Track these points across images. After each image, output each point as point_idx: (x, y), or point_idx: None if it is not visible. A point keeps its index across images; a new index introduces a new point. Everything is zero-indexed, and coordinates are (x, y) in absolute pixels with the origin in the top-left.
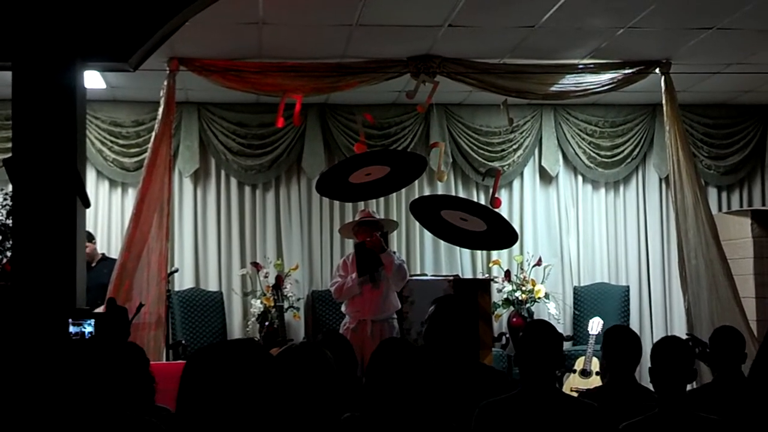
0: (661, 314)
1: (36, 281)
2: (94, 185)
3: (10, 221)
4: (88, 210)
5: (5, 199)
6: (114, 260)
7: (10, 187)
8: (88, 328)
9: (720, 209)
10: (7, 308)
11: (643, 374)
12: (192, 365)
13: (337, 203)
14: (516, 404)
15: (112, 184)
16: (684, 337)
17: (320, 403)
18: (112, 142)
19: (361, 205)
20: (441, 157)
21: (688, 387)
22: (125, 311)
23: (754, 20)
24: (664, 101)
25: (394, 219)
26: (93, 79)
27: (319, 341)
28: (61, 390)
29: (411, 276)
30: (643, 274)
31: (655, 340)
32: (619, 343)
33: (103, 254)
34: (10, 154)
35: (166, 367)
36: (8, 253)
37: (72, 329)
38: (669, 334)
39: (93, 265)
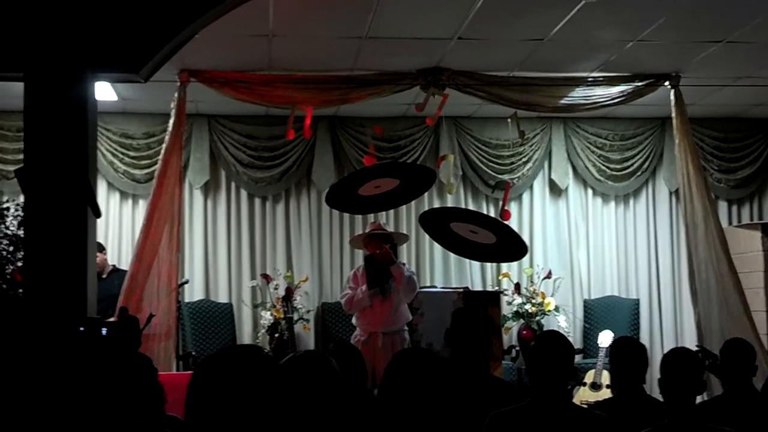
0: (671, 327)
1: (46, 290)
2: (105, 197)
3: (22, 231)
4: (99, 221)
5: (17, 210)
6: (125, 272)
7: (21, 198)
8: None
9: (730, 223)
10: (18, 316)
11: (654, 386)
12: (200, 373)
13: (347, 215)
14: (526, 414)
15: (123, 195)
16: (694, 349)
17: (325, 410)
18: (123, 153)
19: (372, 217)
20: (451, 169)
21: (698, 399)
22: (137, 320)
23: (763, 34)
24: (673, 114)
25: (404, 232)
26: (104, 91)
27: (330, 351)
28: (72, 397)
29: (421, 288)
30: (653, 288)
31: (664, 353)
32: (626, 354)
33: (114, 266)
34: (21, 165)
35: (176, 377)
36: (19, 263)
37: None
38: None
39: (104, 276)
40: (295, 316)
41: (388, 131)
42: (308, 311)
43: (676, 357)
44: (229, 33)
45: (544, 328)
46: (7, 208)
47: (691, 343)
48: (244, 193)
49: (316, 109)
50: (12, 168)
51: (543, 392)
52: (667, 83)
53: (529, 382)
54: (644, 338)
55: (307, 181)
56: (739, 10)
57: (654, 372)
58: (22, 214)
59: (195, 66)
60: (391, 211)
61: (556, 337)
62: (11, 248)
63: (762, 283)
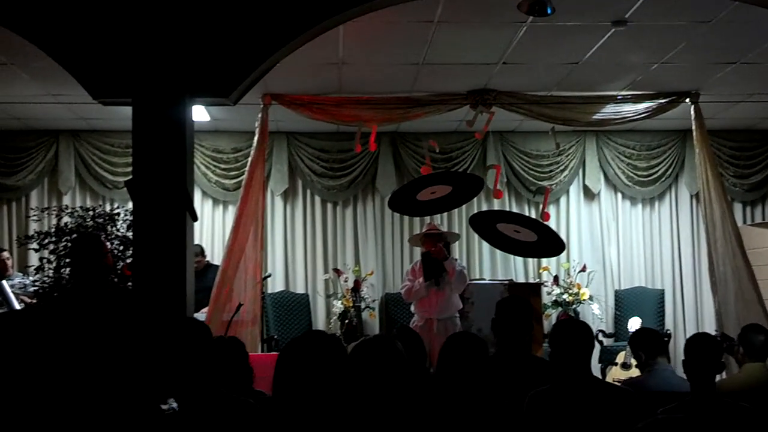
0: (692, 314)
1: (151, 283)
2: (199, 203)
3: (130, 233)
4: (195, 224)
5: (126, 215)
6: (217, 266)
7: (130, 205)
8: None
9: (745, 222)
10: (127, 306)
11: (678, 365)
12: (285, 354)
13: (406, 217)
14: (560, 392)
15: (215, 202)
16: (713, 333)
17: (393, 386)
18: (214, 166)
19: (428, 218)
20: (498, 178)
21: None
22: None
23: None
24: (693, 127)
25: (456, 231)
26: (199, 113)
27: (394, 335)
28: (174, 377)
29: (471, 280)
30: (676, 279)
31: (687, 337)
32: (645, 340)
33: (208, 261)
34: (130, 177)
35: (261, 357)
36: (128, 260)
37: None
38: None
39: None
40: (362, 305)
41: (441, 144)
42: (373, 300)
43: (698, 341)
44: (305, 62)
45: (580, 316)
46: (118, 214)
47: (710, 328)
48: (317, 199)
49: (379, 125)
50: (121, 179)
51: (571, 372)
52: (687, 100)
53: (553, 363)
54: (669, 324)
55: (372, 188)
56: (751, 35)
57: (678, 353)
58: (130, 218)
59: (276, 90)
60: (445, 214)
61: (574, 324)
62: (121, 248)
63: None
